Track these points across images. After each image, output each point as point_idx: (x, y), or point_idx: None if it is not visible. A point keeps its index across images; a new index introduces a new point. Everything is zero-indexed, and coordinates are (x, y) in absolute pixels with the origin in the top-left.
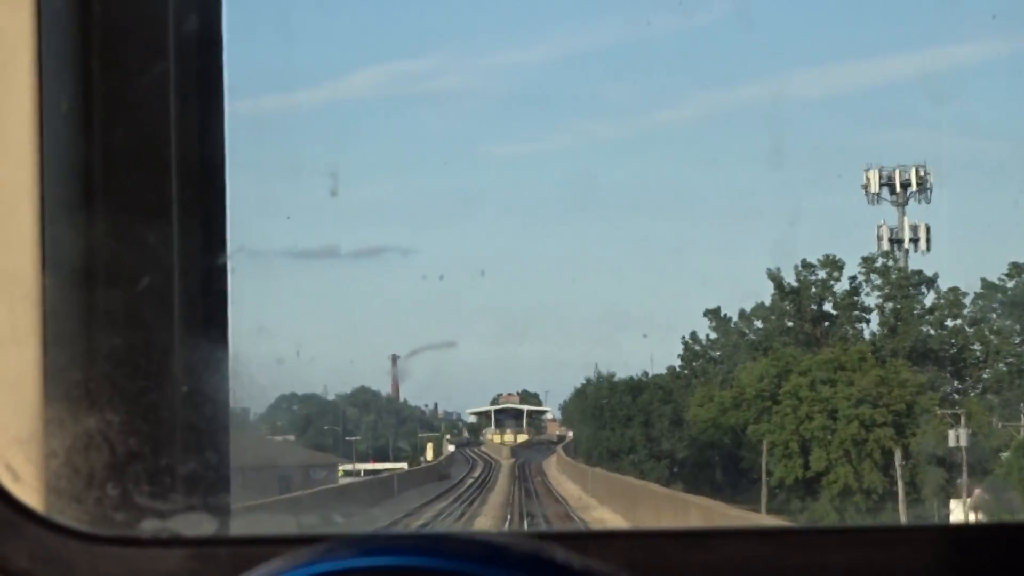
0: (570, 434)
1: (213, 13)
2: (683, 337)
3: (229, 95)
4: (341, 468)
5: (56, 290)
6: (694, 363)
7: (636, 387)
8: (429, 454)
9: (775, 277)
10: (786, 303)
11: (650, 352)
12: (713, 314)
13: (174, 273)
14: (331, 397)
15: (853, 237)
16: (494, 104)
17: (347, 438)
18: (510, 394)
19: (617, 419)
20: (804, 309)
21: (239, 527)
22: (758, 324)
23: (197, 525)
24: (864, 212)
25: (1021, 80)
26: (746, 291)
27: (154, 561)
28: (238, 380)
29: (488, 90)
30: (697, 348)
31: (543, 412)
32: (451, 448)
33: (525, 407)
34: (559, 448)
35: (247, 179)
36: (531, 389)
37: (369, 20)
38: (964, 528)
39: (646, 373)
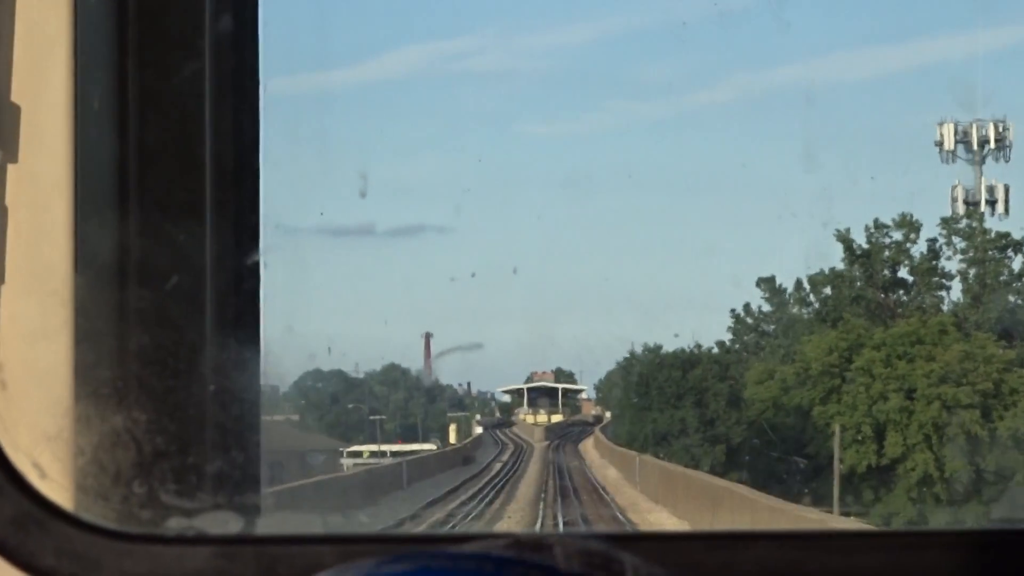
0: (607, 414)
1: (249, 10)
2: (733, 309)
3: (265, 78)
4: (366, 449)
5: (88, 287)
6: (746, 337)
7: (688, 361)
8: (452, 436)
9: (844, 238)
10: (855, 268)
11: (692, 331)
12: (767, 283)
13: (206, 271)
14: (358, 375)
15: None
16: (533, 84)
17: (371, 417)
18: (544, 372)
19: (665, 397)
20: (876, 275)
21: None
22: (826, 292)
23: (224, 524)
24: (900, 188)
25: None
26: (781, 273)
27: (180, 559)
28: (268, 359)
29: (528, 70)
30: (749, 320)
31: (579, 391)
32: (479, 429)
33: (560, 385)
34: (596, 430)
35: (283, 164)
36: (565, 368)
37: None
38: (991, 533)
39: (699, 345)
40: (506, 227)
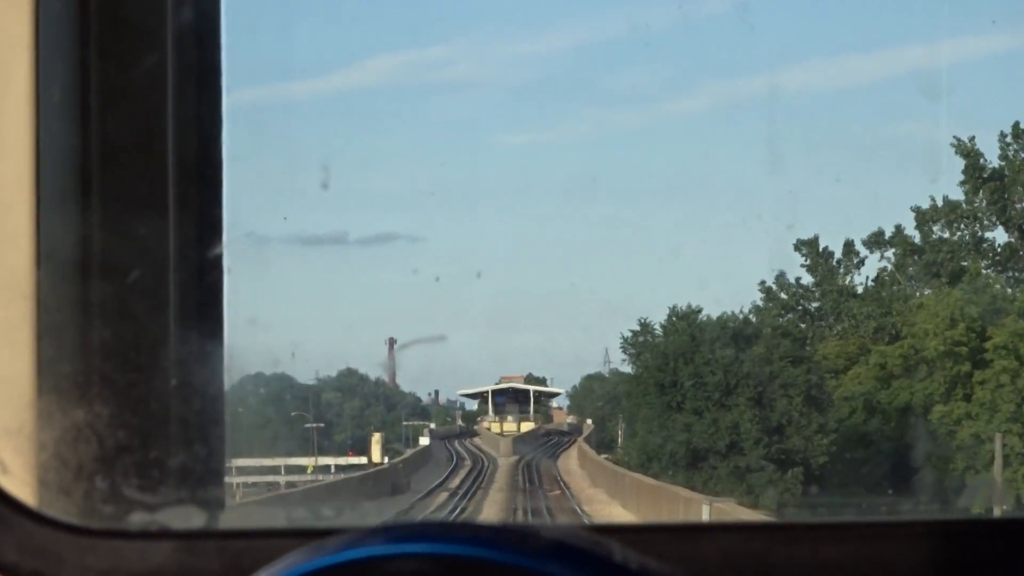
0: (588, 422)
1: (212, 3)
2: (763, 283)
3: (234, 86)
4: (310, 464)
5: (49, 282)
6: (781, 318)
7: (742, 335)
8: (375, 452)
9: (968, 150)
10: (980, 197)
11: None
12: (809, 247)
13: (169, 266)
14: (307, 380)
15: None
16: (504, 94)
17: (307, 426)
18: (514, 376)
19: (705, 391)
20: (1011, 206)
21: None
22: (939, 233)
23: (186, 518)
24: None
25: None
26: (746, 280)
27: (142, 554)
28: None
29: (498, 80)
30: (784, 296)
31: (553, 394)
32: (424, 441)
33: (531, 387)
34: (579, 441)
35: (250, 170)
36: (536, 374)
37: (380, 8)
38: (956, 523)
39: (758, 307)
40: (476, 235)
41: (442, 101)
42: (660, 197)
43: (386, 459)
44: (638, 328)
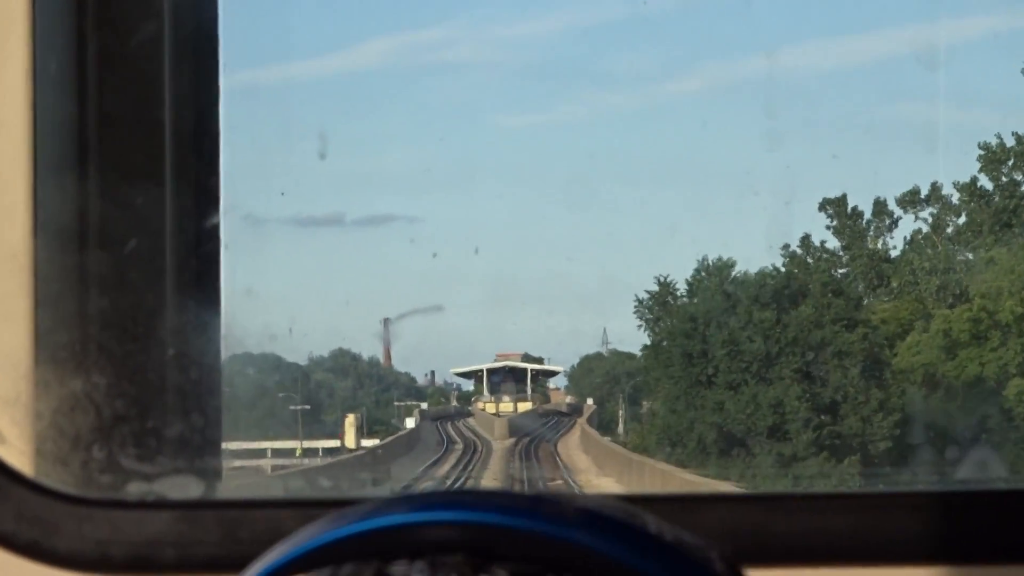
0: (589, 402)
1: None
2: (787, 246)
3: (229, 64)
4: (298, 447)
5: (47, 253)
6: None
7: (783, 292)
8: (349, 436)
9: None
10: None
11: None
12: (837, 205)
13: (166, 236)
14: (298, 360)
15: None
16: (503, 75)
17: (291, 408)
18: (511, 354)
19: (742, 362)
20: None
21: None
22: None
23: (184, 488)
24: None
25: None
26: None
27: (140, 523)
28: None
29: (499, 61)
30: (810, 261)
31: (552, 373)
32: (410, 422)
33: (529, 365)
34: (581, 422)
35: (248, 149)
36: (533, 354)
37: None
38: (955, 495)
39: (804, 260)
40: (473, 217)
41: (440, 82)
42: (659, 176)
43: (363, 443)
44: (656, 289)
